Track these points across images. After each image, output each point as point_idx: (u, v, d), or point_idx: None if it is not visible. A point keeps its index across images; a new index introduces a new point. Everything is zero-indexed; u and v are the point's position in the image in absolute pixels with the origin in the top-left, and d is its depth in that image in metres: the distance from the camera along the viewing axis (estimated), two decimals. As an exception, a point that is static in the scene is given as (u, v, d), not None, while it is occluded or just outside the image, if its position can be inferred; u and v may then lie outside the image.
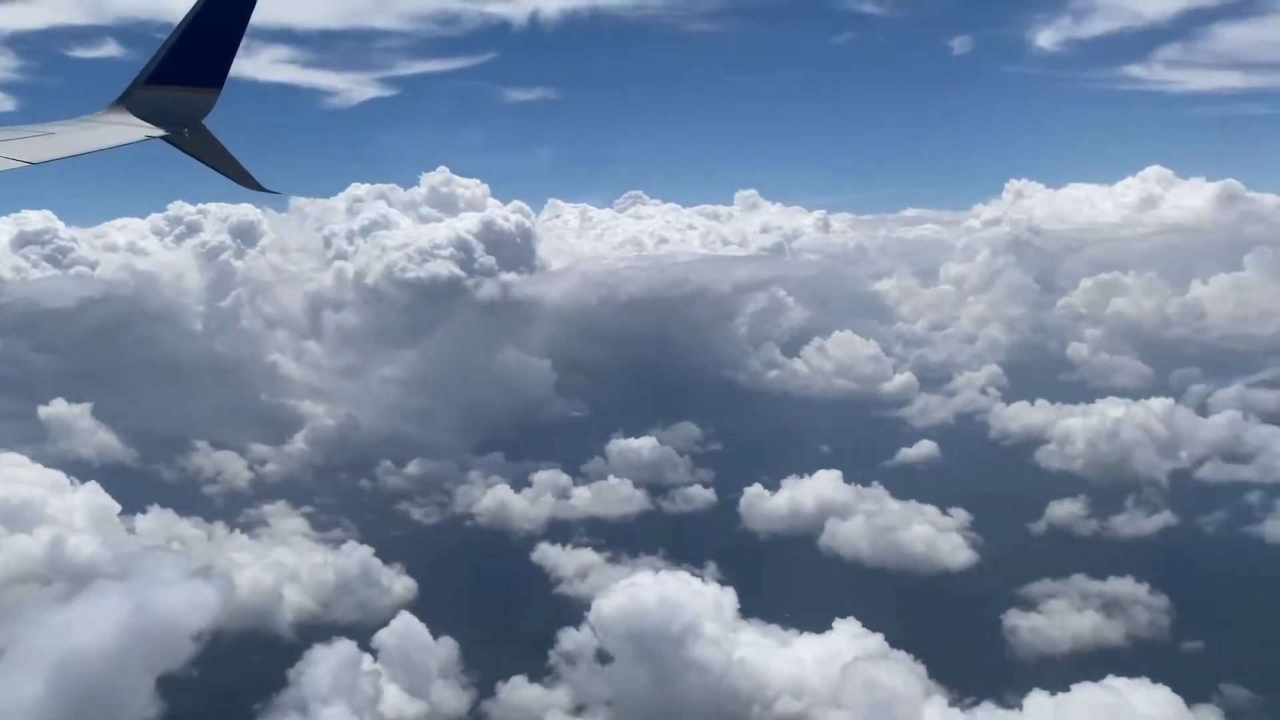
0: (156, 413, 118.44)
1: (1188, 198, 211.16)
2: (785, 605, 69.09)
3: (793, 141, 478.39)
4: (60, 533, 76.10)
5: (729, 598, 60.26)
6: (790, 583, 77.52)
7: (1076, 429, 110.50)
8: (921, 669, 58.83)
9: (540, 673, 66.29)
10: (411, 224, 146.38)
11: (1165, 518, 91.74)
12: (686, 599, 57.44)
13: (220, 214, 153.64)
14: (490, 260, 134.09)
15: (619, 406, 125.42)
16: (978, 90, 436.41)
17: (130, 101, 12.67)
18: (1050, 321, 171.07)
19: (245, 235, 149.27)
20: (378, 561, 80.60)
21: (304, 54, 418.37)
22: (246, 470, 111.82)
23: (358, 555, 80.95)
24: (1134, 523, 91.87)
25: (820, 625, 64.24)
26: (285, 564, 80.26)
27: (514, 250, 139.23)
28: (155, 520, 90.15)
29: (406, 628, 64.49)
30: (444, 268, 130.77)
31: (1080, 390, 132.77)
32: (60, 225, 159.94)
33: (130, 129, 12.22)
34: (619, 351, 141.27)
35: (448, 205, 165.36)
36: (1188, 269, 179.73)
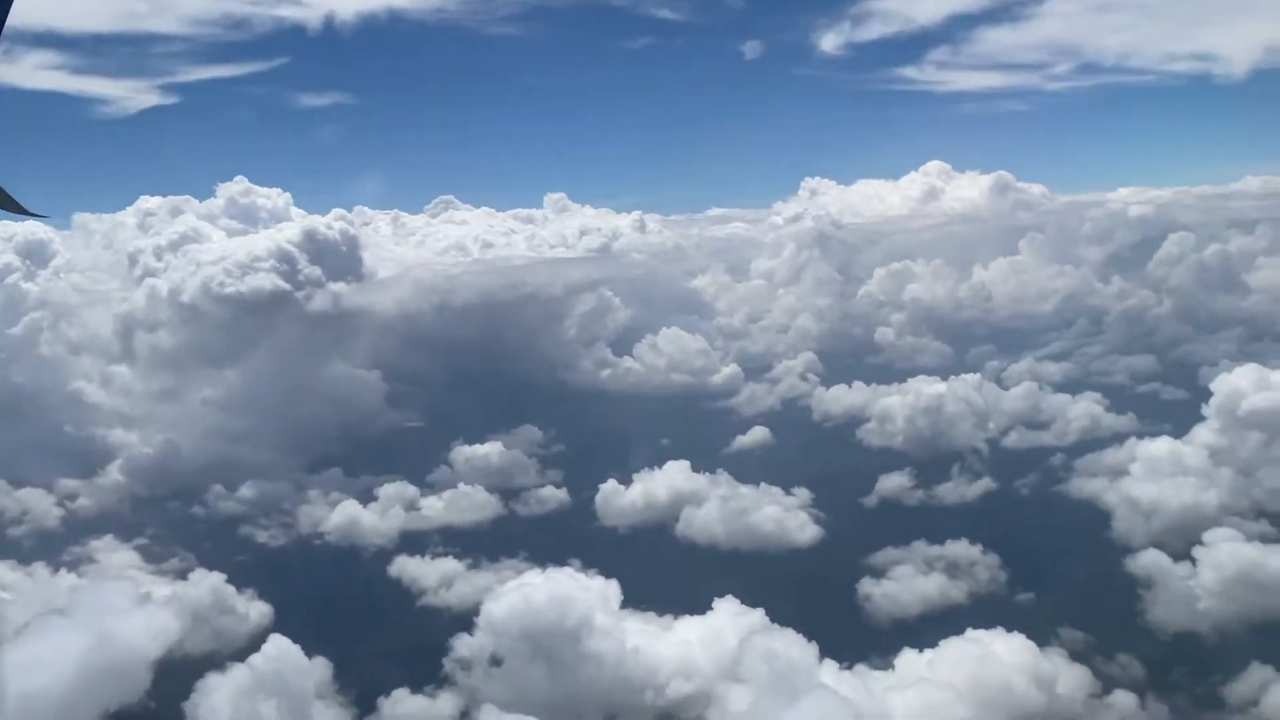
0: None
1: (965, 189, 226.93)
2: (654, 594, 70.68)
3: (597, 144, 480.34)
4: None
5: (614, 590, 61.16)
6: (655, 572, 79.39)
7: (894, 407, 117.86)
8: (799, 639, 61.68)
9: (422, 683, 65.43)
10: (222, 237, 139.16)
11: (986, 484, 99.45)
12: (576, 594, 58.07)
13: (4, 233, 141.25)
14: (316, 271, 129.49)
15: (456, 414, 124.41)
16: (769, 92, 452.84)
17: None
18: (855, 309, 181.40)
19: (35, 255, 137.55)
20: (230, 588, 77.26)
21: (73, 59, 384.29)
22: (56, 507, 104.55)
23: (207, 583, 77.26)
24: (958, 490, 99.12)
25: (691, 609, 66.20)
26: (126, 600, 75.66)
27: (340, 260, 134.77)
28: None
29: (280, 651, 61.97)
30: (266, 280, 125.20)
31: (889, 371, 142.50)
32: None
33: None
34: (451, 358, 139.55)
35: (248, 216, 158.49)
36: (971, 255, 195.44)
